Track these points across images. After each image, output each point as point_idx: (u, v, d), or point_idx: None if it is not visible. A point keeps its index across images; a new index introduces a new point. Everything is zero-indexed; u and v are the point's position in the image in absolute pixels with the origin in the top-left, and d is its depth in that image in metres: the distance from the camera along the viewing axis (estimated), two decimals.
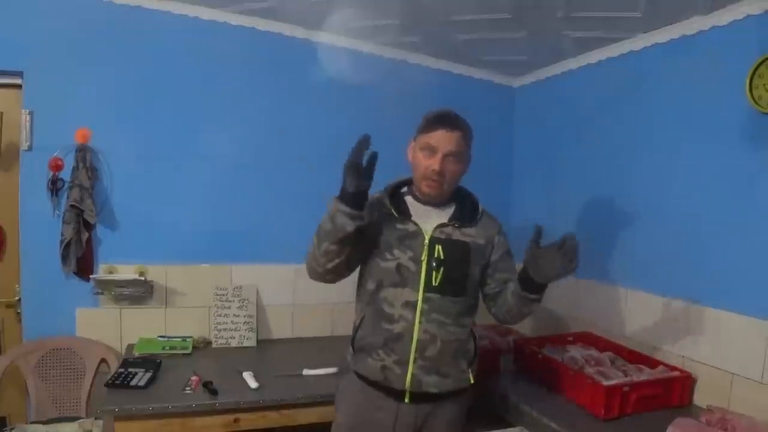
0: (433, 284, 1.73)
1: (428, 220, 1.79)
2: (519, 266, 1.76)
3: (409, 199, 1.86)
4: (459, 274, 1.78)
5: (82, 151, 2.54)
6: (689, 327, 2.21)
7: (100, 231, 2.68)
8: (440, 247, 1.75)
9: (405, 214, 1.79)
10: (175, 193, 2.78)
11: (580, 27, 2.47)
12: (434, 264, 1.74)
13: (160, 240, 2.76)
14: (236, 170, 2.86)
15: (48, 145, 2.53)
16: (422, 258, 1.74)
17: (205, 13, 2.74)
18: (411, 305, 1.73)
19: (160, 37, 2.69)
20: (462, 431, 1.90)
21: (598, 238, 2.73)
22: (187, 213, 2.79)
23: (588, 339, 2.62)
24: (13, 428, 2.39)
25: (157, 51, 2.71)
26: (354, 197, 1.58)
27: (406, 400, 1.76)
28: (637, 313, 2.49)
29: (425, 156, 1.76)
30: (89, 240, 2.58)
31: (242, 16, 2.79)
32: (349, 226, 1.59)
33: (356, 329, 1.84)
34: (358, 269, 1.87)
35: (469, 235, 1.81)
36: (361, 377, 1.81)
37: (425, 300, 1.73)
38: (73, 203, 2.49)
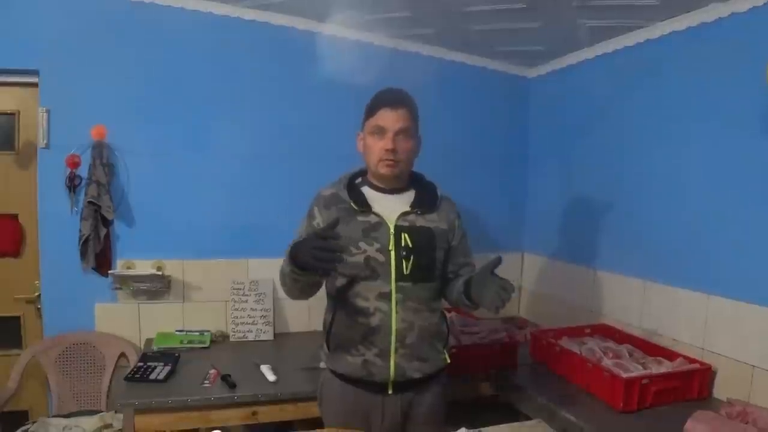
0: (405, 273, 1.72)
1: (389, 208, 1.77)
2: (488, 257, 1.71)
3: (366, 189, 1.83)
4: (427, 261, 1.77)
5: (99, 148, 2.57)
6: (708, 319, 2.19)
7: (117, 227, 2.71)
8: (406, 235, 1.74)
9: (365, 206, 1.77)
10: (192, 188, 2.80)
11: (596, 16, 2.43)
12: (403, 253, 1.72)
13: (177, 235, 2.78)
14: (252, 165, 2.88)
15: (65, 142, 2.56)
16: (390, 248, 1.72)
17: (219, 9, 2.75)
18: (385, 296, 1.71)
19: (174, 33, 2.71)
20: (443, 416, 1.89)
21: (613, 229, 2.72)
22: (203, 208, 2.81)
23: (605, 331, 2.60)
24: (35, 422, 2.43)
25: (171, 47, 2.72)
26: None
27: (390, 392, 1.76)
28: (654, 304, 2.46)
29: (376, 139, 1.74)
30: (107, 236, 2.61)
31: (255, 11, 2.79)
32: (312, 277, 1.61)
33: (329, 327, 1.80)
34: None
35: (432, 220, 1.81)
36: (340, 376, 1.79)
37: (398, 289, 1.72)
38: (91, 199, 2.51)
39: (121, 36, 2.64)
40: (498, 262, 1.63)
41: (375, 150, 1.74)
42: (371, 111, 1.76)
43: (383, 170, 1.75)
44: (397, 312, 1.71)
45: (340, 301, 1.78)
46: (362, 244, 1.72)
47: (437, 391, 1.84)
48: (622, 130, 2.66)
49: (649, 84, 2.50)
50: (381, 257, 1.72)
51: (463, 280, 1.78)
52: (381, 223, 1.74)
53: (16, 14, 2.50)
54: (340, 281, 1.77)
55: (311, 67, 2.86)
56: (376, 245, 1.72)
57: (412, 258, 1.73)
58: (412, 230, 1.75)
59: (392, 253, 1.72)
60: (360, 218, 1.75)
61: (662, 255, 2.42)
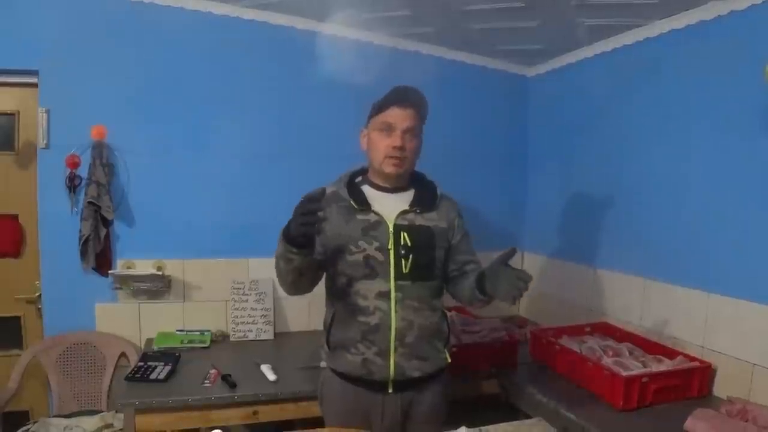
0: (404, 272, 1.72)
1: (389, 207, 1.77)
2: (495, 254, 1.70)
3: (366, 188, 1.83)
4: (427, 259, 1.77)
5: (98, 148, 2.57)
6: (708, 317, 2.19)
7: (117, 227, 2.71)
8: (406, 234, 1.74)
9: (364, 204, 1.77)
10: (192, 188, 2.80)
11: (595, 14, 2.43)
12: (402, 252, 1.72)
13: (177, 235, 2.79)
14: (252, 164, 2.88)
15: (65, 142, 2.56)
16: (389, 247, 1.72)
17: (218, 9, 2.75)
18: (384, 295, 1.71)
19: (174, 33, 2.71)
20: (444, 415, 1.89)
21: (613, 228, 2.72)
22: (203, 207, 2.81)
23: (605, 329, 2.61)
24: (35, 422, 2.43)
25: (171, 47, 2.72)
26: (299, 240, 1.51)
27: (390, 390, 1.75)
28: (654, 302, 2.46)
29: (383, 136, 1.74)
30: (107, 236, 2.61)
31: (255, 10, 2.79)
32: (305, 258, 1.57)
33: (329, 326, 1.80)
34: None
35: (432, 219, 1.81)
36: (340, 375, 1.79)
37: (398, 288, 1.72)
38: (91, 200, 2.51)
39: (121, 36, 2.64)
40: (512, 253, 1.63)
41: (380, 147, 1.75)
42: (380, 108, 1.76)
43: (388, 168, 1.75)
44: (396, 311, 1.71)
45: (339, 299, 1.78)
46: (361, 243, 1.72)
47: (438, 390, 1.84)
48: (622, 129, 2.66)
49: (649, 83, 2.50)
50: (380, 256, 1.72)
51: (475, 275, 1.77)
52: (380, 222, 1.74)
53: (16, 14, 2.50)
54: (340, 281, 1.77)
55: (311, 66, 2.86)
56: (376, 244, 1.72)
57: (411, 257, 1.73)
58: (411, 229, 1.75)
59: (391, 252, 1.72)
60: (359, 217, 1.75)
61: (662, 253, 2.42)
